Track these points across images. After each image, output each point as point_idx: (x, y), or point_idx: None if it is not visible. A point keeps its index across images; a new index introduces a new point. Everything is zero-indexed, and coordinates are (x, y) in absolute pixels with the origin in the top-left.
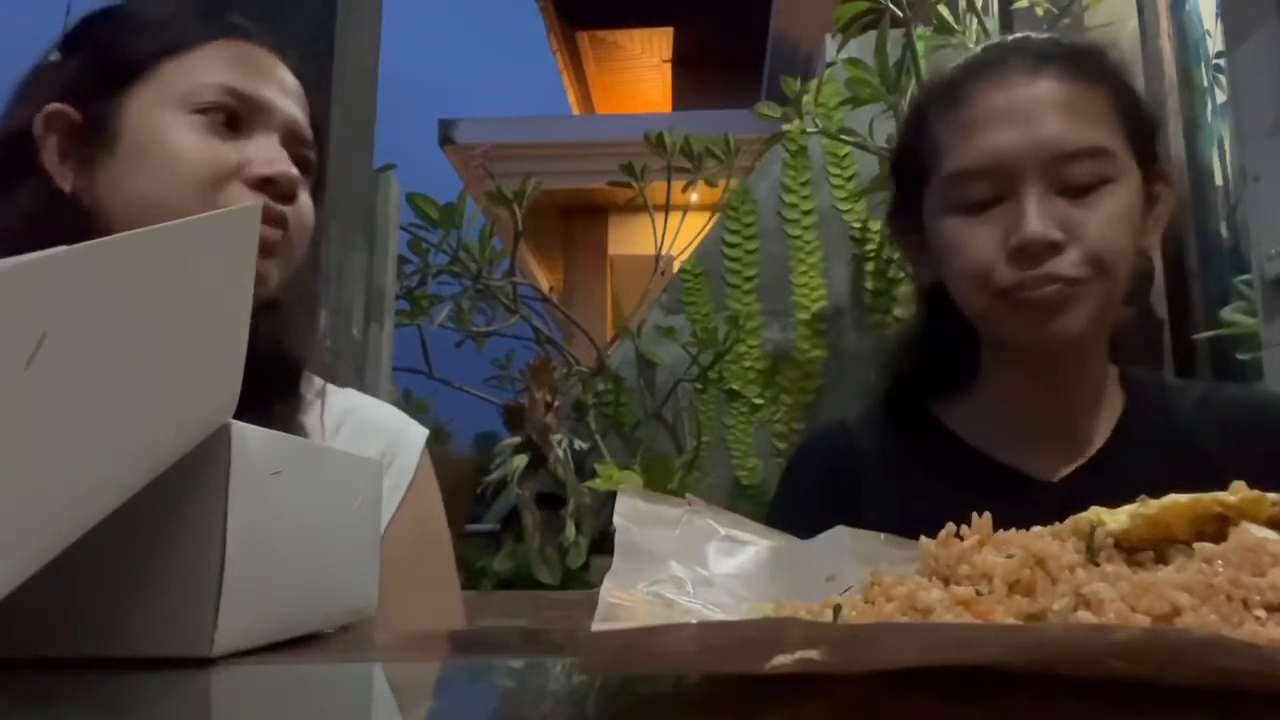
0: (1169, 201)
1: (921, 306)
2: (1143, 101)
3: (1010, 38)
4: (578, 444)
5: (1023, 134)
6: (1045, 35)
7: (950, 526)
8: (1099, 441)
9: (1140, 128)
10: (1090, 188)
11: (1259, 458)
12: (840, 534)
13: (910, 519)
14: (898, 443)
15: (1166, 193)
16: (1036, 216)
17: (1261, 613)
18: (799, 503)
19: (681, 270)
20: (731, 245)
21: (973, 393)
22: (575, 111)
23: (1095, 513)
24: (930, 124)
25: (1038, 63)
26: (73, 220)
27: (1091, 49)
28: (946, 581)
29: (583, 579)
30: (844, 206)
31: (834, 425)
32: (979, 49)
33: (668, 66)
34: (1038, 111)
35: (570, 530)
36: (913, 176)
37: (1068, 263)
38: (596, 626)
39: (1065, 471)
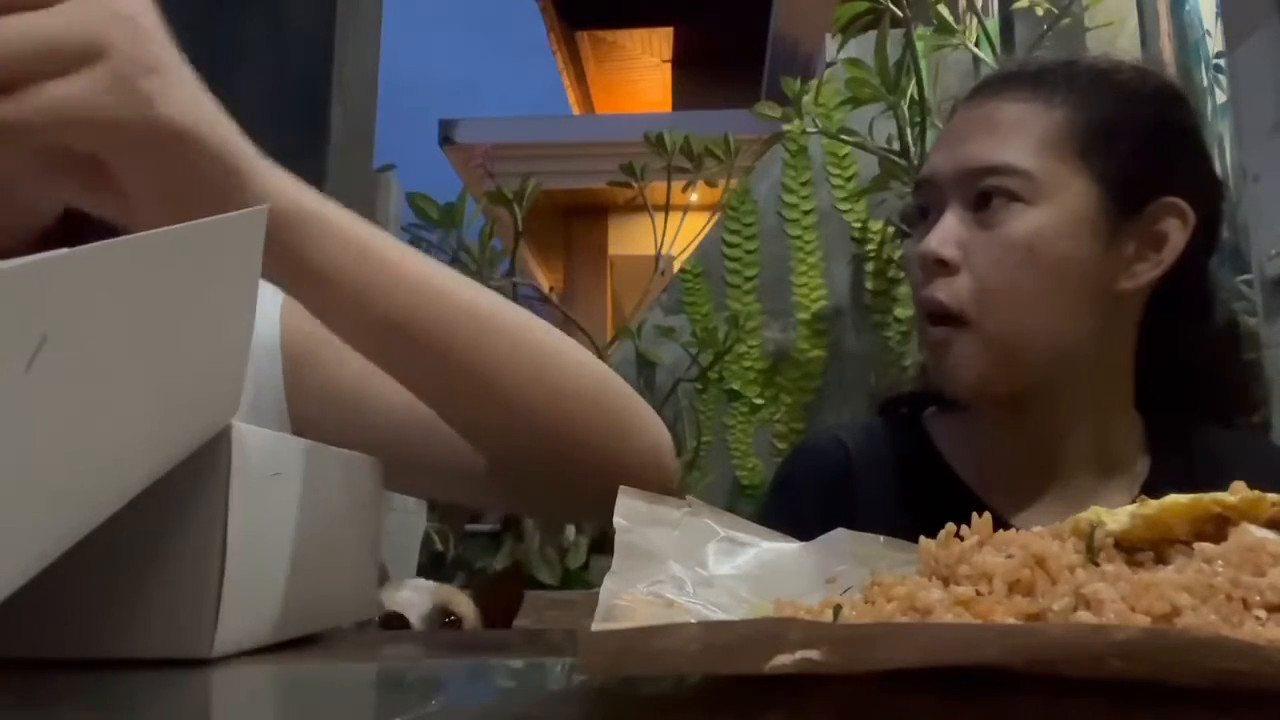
0: (1176, 240)
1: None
2: (1141, 129)
3: (1016, 61)
4: None
5: (952, 150)
6: (1032, 56)
7: (950, 526)
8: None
9: (1117, 154)
10: (995, 206)
11: None
12: (840, 536)
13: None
14: (887, 465)
15: (1153, 231)
16: (936, 232)
17: (1261, 613)
18: (796, 516)
19: (681, 270)
20: (731, 245)
21: (969, 414)
22: (575, 111)
23: (1095, 513)
24: None
25: (1002, 84)
26: None
27: (1052, 68)
28: (946, 581)
29: (583, 579)
30: (844, 206)
31: (829, 439)
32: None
33: (668, 66)
34: (968, 130)
35: (570, 530)
36: None
37: (955, 287)
38: (596, 626)
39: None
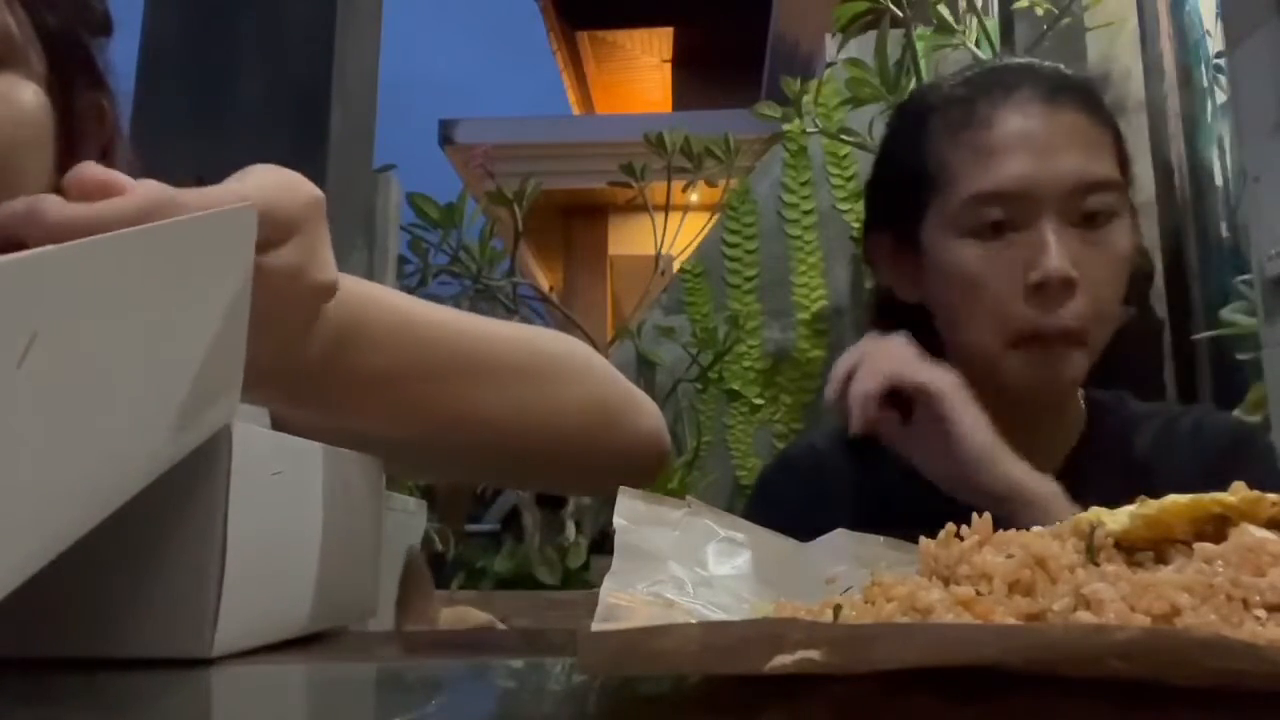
0: (1138, 239)
1: (880, 326)
2: (1126, 140)
3: (1016, 61)
4: None
5: (1044, 162)
6: (1051, 64)
7: (950, 526)
8: (1054, 470)
9: (1128, 168)
10: (1100, 222)
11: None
12: (839, 536)
13: None
14: (858, 474)
15: (1135, 232)
16: (1057, 251)
17: (1261, 613)
18: (777, 527)
19: (681, 270)
20: (731, 245)
21: None
22: (575, 111)
23: (1095, 513)
24: (934, 141)
25: (1054, 92)
26: None
27: (1095, 85)
28: (946, 581)
29: (583, 579)
30: (844, 206)
31: (805, 449)
32: (982, 69)
33: (668, 66)
34: (1059, 140)
35: (570, 530)
36: (906, 192)
37: (1078, 308)
38: (596, 626)
39: None
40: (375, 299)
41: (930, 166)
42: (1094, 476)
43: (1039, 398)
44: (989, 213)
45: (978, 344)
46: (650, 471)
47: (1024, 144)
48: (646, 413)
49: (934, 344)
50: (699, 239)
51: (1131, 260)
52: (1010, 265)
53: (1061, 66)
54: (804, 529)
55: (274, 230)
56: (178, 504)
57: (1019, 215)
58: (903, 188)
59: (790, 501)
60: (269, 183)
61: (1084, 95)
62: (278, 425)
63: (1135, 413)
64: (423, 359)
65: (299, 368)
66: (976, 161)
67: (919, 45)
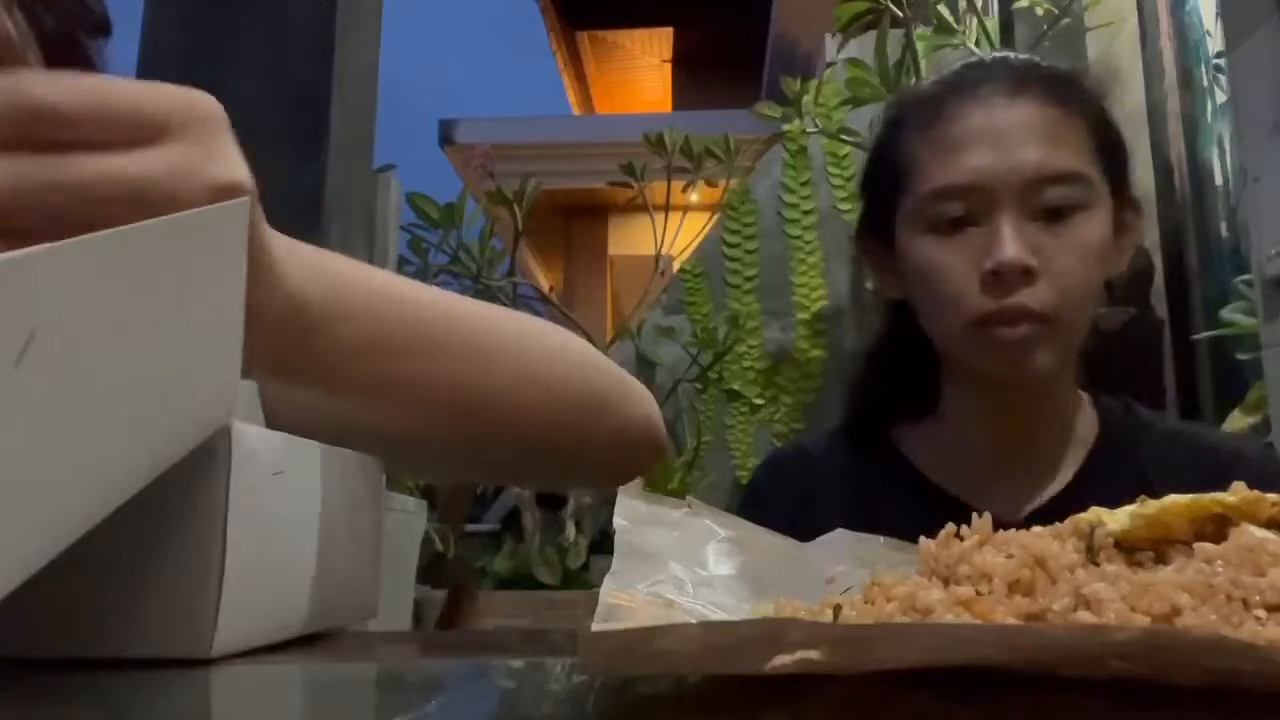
0: (1137, 230)
1: (885, 324)
2: (1117, 129)
3: (990, 56)
4: None
5: (1001, 155)
6: (1024, 57)
7: (950, 527)
8: (1065, 477)
9: (1114, 156)
10: (1064, 214)
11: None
12: (840, 537)
13: None
14: (856, 472)
15: (1135, 221)
16: (1011, 241)
17: (1261, 613)
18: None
19: (681, 270)
20: (731, 245)
21: (934, 419)
22: (575, 111)
23: (1095, 513)
24: (905, 140)
25: (1018, 85)
26: None
27: (1070, 75)
28: (946, 582)
29: (583, 579)
30: (844, 206)
31: (796, 450)
32: (957, 67)
33: (668, 66)
34: (1017, 134)
35: (570, 530)
36: (884, 191)
37: (1039, 294)
38: (596, 626)
39: (1027, 510)
40: (360, 276)
41: (902, 165)
42: (1109, 482)
43: (1012, 384)
44: (949, 208)
45: (946, 334)
46: (644, 461)
47: (981, 138)
48: (640, 400)
49: (923, 341)
50: (699, 239)
51: (1103, 251)
52: (968, 257)
53: (1033, 59)
54: (790, 530)
55: (136, 131)
56: (178, 504)
57: (978, 209)
58: (882, 187)
59: (777, 502)
60: (150, 89)
61: (1051, 87)
62: (273, 422)
63: (1142, 420)
64: (409, 334)
65: (282, 331)
66: (937, 157)
67: (919, 45)
